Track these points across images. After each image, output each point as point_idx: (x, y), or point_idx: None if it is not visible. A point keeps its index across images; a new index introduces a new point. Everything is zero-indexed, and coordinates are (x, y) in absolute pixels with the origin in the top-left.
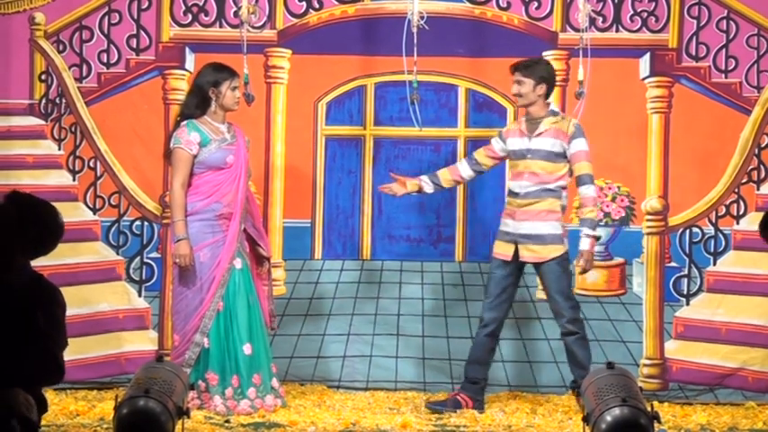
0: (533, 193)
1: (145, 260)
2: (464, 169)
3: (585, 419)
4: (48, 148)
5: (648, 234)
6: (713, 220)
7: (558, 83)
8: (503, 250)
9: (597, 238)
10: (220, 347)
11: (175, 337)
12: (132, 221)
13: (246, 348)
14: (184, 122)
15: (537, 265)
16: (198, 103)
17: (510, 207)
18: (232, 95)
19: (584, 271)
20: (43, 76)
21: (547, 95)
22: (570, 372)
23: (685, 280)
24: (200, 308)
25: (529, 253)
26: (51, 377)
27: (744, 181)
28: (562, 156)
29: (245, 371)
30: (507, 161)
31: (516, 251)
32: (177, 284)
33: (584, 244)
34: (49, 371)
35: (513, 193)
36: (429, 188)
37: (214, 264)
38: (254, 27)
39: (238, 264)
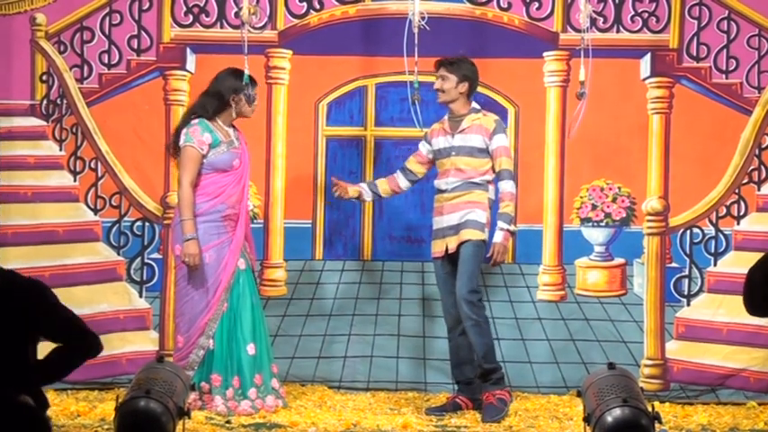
0: (460, 188)
1: (146, 261)
2: (401, 180)
3: (586, 420)
4: (49, 148)
5: (649, 234)
6: (714, 221)
7: (558, 83)
8: (437, 248)
9: (512, 233)
10: (223, 348)
11: (179, 338)
12: (133, 222)
13: (250, 349)
14: (196, 121)
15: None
16: (216, 107)
17: (438, 204)
18: (246, 99)
19: (495, 263)
20: (44, 77)
21: (469, 94)
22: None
23: (686, 280)
24: (207, 311)
25: (453, 244)
26: (93, 347)
27: (744, 181)
28: (485, 151)
29: (247, 371)
30: (435, 162)
31: (447, 245)
32: (183, 286)
33: (498, 236)
34: (90, 343)
35: (440, 191)
36: (368, 196)
37: (220, 266)
38: (254, 28)
39: (242, 264)
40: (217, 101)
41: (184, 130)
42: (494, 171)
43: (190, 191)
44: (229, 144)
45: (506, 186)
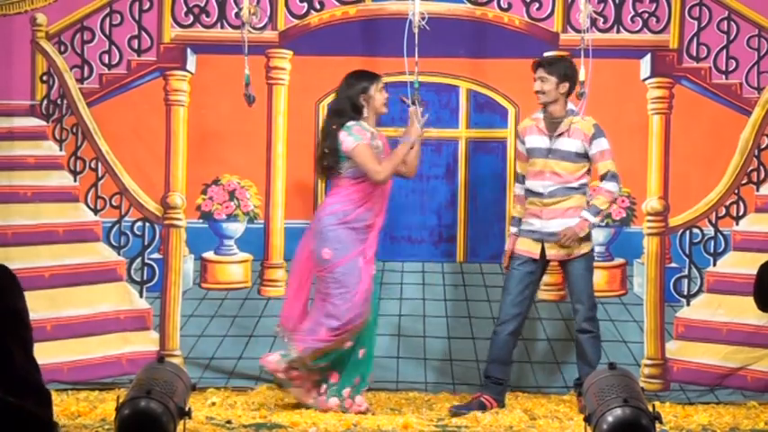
0: (558, 192)
1: (146, 261)
2: (521, 190)
3: (587, 420)
4: (49, 148)
5: (649, 235)
6: (713, 221)
7: None
8: (528, 248)
9: (592, 226)
10: (355, 351)
11: (324, 331)
12: (133, 222)
13: (362, 352)
14: (353, 123)
15: (562, 263)
16: (352, 115)
17: (534, 207)
18: (381, 98)
19: (562, 246)
20: (45, 77)
21: (568, 94)
22: (577, 369)
23: (685, 280)
24: (357, 312)
25: (555, 251)
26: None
27: (744, 182)
28: (583, 156)
29: (353, 372)
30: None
31: (543, 249)
32: (333, 284)
33: (576, 221)
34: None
35: (535, 193)
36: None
37: (369, 272)
38: (255, 28)
39: (372, 270)
40: (350, 107)
41: (345, 133)
42: (596, 174)
43: (382, 165)
44: (379, 148)
45: (606, 185)
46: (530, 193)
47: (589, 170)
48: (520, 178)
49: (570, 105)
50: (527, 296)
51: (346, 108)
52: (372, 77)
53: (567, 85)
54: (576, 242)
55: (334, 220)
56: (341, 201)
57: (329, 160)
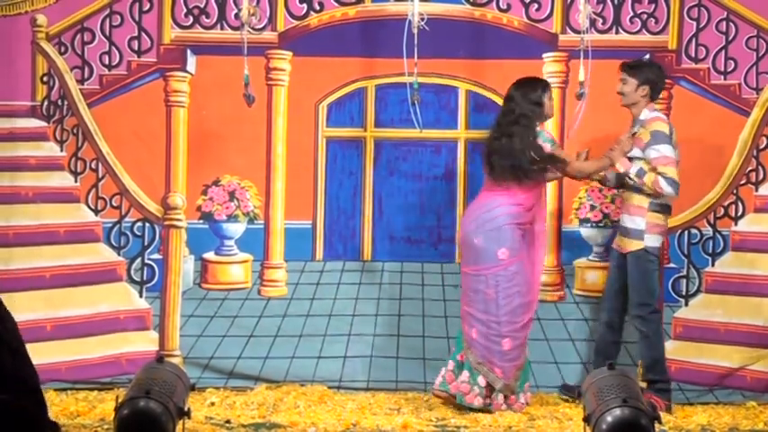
0: (624, 188)
1: (146, 261)
2: None
3: (586, 420)
4: (50, 149)
5: None
6: (712, 222)
7: (558, 84)
8: (615, 242)
9: (626, 177)
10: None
11: (505, 342)
12: (134, 223)
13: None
14: (540, 130)
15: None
16: (536, 119)
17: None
18: (550, 104)
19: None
20: (45, 78)
21: (652, 98)
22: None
23: (684, 281)
24: (532, 314)
25: (620, 244)
26: None
27: (742, 182)
28: (640, 159)
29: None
30: None
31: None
32: (504, 283)
33: (625, 160)
34: None
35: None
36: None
37: (531, 267)
38: (254, 29)
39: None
40: (539, 107)
41: (541, 139)
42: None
43: (578, 163)
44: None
45: (660, 179)
46: None
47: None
48: None
49: (647, 111)
50: (617, 290)
51: (530, 116)
52: (546, 85)
53: (647, 88)
54: (620, 154)
55: (511, 219)
56: (515, 203)
57: (538, 165)
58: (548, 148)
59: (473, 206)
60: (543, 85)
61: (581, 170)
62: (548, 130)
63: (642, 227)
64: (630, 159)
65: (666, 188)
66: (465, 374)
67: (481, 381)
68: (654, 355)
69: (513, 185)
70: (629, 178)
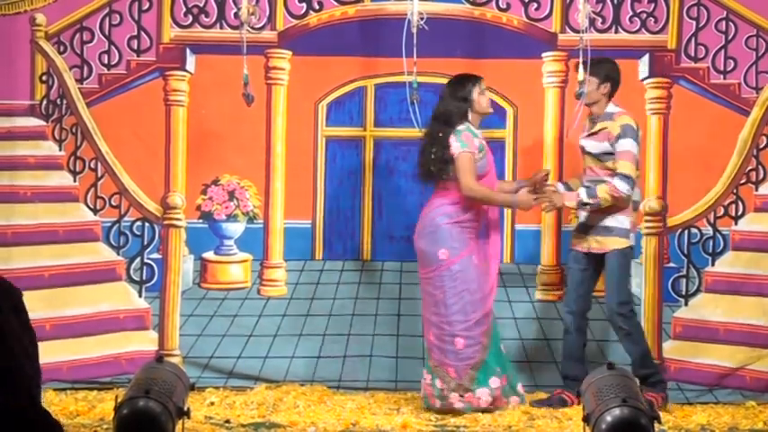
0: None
1: (145, 261)
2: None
3: (586, 420)
4: (49, 148)
5: (647, 235)
6: (712, 221)
7: (557, 84)
8: (577, 242)
9: (582, 205)
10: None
11: (458, 341)
12: (133, 222)
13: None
14: (464, 126)
15: (601, 257)
16: (458, 117)
17: None
18: (484, 99)
19: (547, 204)
20: (44, 77)
21: (611, 95)
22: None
23: (684, 280)
24: (488, 310)
25: (596, 244)
26: None
27: (742, 182)
28: (610, 155)
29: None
30: None
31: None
32: (449, 283)
33: (567, 194)
34: None
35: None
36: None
37: (485, 264)
38: (254, 28)
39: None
40: (464, 103)
41: (454, 138)
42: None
43: (479, 185)
44: (481, 148)
45: (615, 180)
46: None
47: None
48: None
49: (610, 107)
50: (582, 293)
51: (452, 113)
52: (475, 80)
53: (608, 85)
54: (553, 207)
55: (448, 219)
56: (452, 202)
57: (436, 166)
58: (455, 147)
59: (422, 210)
60: (473, 81)
61: (471, 189)
62: (468, 132)
63: (627, 225)
64: (601, 155)
65: (622, 187)
66: (428, 377)
67: (438, 383)
68: (640, 349)
69: (451, 184)
70: (585, 204)
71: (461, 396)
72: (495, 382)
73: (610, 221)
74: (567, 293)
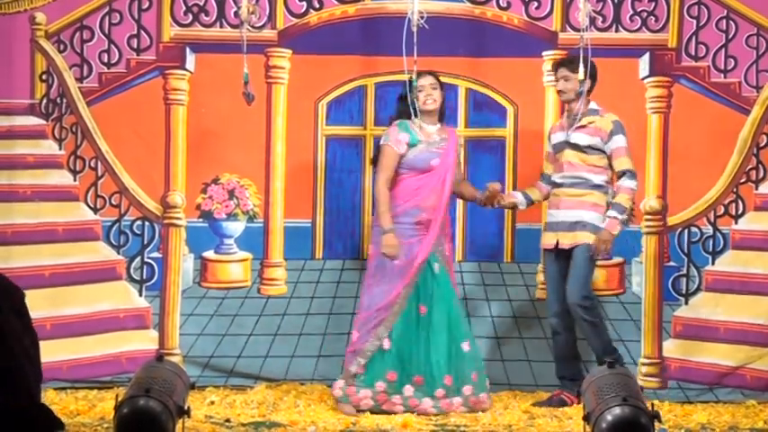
0: (580, 185)
1: (145, 260)
2: (543, 187)
3: (586, 419)
4: (49, 147)
5: (647, 234)
6: (712, 220)
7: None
8: (548, 240)
9: (624, 223)
10: (400, 349)
11: (354, 333)
12: (133, 221)
13: (465, 345)
14: (396, 122)
15: (571, 251)
16: (403, 109)
17: (555, 197)
18: (422, 95)
19: (597, 252)
20: (44, 76)
21: (589, 92)
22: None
23: (684, 279)
24: (385, 307)
25: (566, 240)
26: None
27: (742, 180)
28: (599, 150)
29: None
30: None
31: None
32: (368, 283)
33: (605, 224)
34: None
35: (556, 185)
36: (522, 205)
37: (406, 264)
38: (254, 27)
39: (436, 268)
40: (400, 102)
41: (387, 130)
42: (613, 171)
43: (385, 188)
44: (430, 143)
45: (625, 182)
46: (553, 185)
47: (609, 167)
48: (544, 177)
49: (593, 104)
50: (561, 294)
51: (397, 108)
52: (419, 76)
53: (588, 82)
54: (607, 251)
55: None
56: (392, 196)
57: (374, 153)
58: (382, 138)
59: None
60: (417, 78)
61: (376, 183)
62: (398, 126)
63: (600, 223)
64: (587, 148)
65: (634, 184)
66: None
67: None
68: (604, 338)
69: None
70: (625, 221)
71: (348, 386)
72: (380, 386)
73: (582, 216)
74: (549, 296)
